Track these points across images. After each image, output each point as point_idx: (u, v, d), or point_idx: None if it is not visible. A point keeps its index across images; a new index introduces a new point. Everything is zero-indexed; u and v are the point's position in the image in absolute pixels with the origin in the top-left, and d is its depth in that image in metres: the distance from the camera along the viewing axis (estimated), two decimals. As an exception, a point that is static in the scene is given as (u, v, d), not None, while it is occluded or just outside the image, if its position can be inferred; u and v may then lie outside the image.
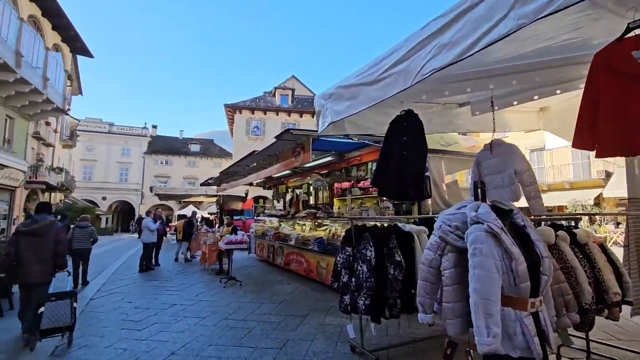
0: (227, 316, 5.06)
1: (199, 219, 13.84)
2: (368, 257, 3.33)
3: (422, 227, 3.69)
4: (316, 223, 8.39)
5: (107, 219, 36.61)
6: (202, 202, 32.38)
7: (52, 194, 20.80)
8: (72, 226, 7.62)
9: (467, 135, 5.82)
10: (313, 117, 34.14)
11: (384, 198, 5.68)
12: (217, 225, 19.06)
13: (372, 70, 2.56)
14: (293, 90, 29.82)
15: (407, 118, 3.26)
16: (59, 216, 20.87)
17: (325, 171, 8.22)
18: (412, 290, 3.48)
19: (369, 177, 6.55)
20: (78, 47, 18.02)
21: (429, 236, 3.63)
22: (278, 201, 10.94)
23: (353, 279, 3.43)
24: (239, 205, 19.94)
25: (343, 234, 6.53)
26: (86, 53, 18.86)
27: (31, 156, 17.64)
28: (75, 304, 4.09)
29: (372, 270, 3.30)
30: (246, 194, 19.41)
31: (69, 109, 19.93)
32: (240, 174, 9.21)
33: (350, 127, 3.56)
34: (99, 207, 34.04)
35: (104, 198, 37.00)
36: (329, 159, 6.47)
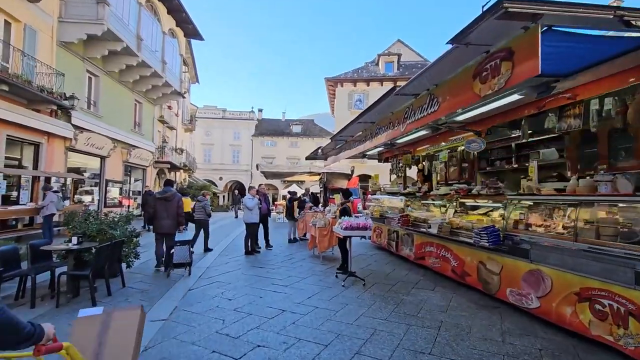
0: (361, 348, 3.18)
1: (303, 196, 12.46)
2: None
3: None
4: (460, 205, 5.91)
5: (223, 196, 40.19)
6: (304, 180, 32.47)
7: (177, 173, 22.88)
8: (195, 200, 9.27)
9: None
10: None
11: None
12: (320, 205, 17.96)
13: None
14: (399, 55, 26.47)
15: None
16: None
17: (478, 129, 5.52)
18: None
19: (594, 126, 3.68)
20: (190, 29, 18.62)
21: None
22: (398, 176, 8.69)
23: None
24: (343, 184, 18.40)
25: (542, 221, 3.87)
26: (197, 36, 19.47)
27: (157, 138, 19.29)
28: (192, 249, 6.02)
29: None
30: (352, 171, 17.68)
31: (185, 92, 21.21)
32: (357, 140, 7.25)
33: None
34: (216, 186, 37.41)
35: (220, 178, 40.62)
36: (515, 97, 3.77)
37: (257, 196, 8.34)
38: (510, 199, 4.37)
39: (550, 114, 4.22)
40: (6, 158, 9.47)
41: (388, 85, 26.00)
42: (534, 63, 2.23)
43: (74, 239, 4.73)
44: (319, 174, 21.89)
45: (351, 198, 16.88)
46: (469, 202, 5.81)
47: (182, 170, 23.48)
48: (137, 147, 15.99)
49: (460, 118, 5.02)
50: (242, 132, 42.63)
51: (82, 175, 13.18)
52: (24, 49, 9.66)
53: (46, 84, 10.07)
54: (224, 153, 41.74)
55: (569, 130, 4.01)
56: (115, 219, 5.93)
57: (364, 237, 5.76)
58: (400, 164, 8.46)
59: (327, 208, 10.80)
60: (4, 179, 9.37)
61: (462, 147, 6.74)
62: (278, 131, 43.62)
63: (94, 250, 5.04)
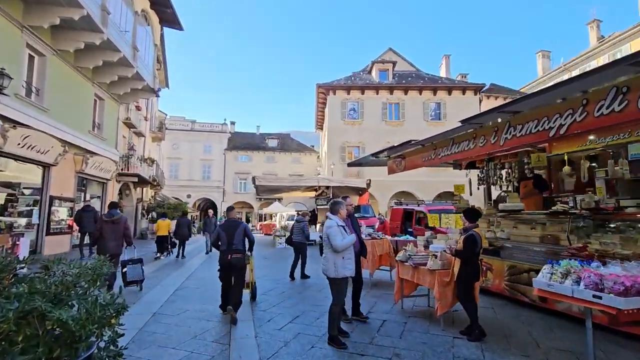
0: None
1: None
2: None
3: None
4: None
5: (193, 217, 35.66)
6: (282, 198, 29.02)
7: (144, 189, 18.85)
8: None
9: None
10: (420, 94, 27.98)
11: None
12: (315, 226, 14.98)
13: None
14: (394, 63, 24.91)
15: None
16: (152, 214, 18.39)
17: None
18: None
19: None
20: (167, 15, 15.40)
21: None
22: (501, 187, 6.10)
23: None
24: (354, 200, 15.70)
25: None
26: (176, 24, 16.27)
27: (122, 145, 15.45)
28: (142, 267, 6.47)
29: None
30: (368, 185, 15.08)
31: (159, 89, 17.63)
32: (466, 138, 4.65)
33: None
34: (187, 204, 33.03)
35: (188, 196, 36.15)
36: None
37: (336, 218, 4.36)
38: None
39: None
40: None
41: (384, 94, 24.09)
42: None
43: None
44: (317, 189, 19.10)
45: (379, 215, 13.86)
46: None
47: (149, 186, 19.45)
48: (96, 154, 12.21)
49: None
50: (213, 145, 38.76)
51: (15, 190, 9.29)
52: None
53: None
54: (193, 168, 37.51)
55: None
56: (69, 279, 2.67)
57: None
58: (509, 168, 5.91)
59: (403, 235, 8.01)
60: None
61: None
62: (253, 145, 40.34)
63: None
